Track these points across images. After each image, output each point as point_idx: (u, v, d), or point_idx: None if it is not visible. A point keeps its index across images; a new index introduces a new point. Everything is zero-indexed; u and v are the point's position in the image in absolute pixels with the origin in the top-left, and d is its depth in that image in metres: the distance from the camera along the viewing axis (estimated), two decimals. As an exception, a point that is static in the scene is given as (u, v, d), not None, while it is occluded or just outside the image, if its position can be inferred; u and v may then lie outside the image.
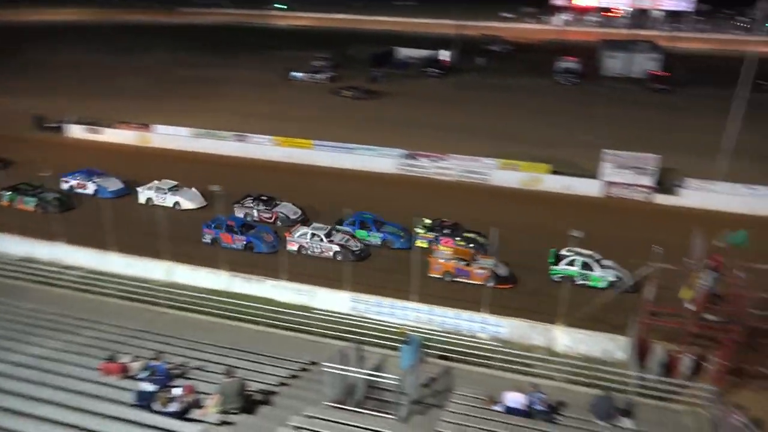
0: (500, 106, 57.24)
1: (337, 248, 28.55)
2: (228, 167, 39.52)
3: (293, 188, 34.95)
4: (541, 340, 22.21)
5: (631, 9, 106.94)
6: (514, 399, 16.72)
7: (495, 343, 21.84)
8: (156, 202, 33.94)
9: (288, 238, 29.30)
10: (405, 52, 79.24)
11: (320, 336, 21.61)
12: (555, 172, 38.37)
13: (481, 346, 21.40)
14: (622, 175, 36.45)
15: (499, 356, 20.51)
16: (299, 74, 68.64)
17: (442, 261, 26.99)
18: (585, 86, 67.29)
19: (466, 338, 22.03)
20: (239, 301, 23.32)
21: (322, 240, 28.76)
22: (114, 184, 35.80)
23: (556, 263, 27.10)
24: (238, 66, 75.46)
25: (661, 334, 20.47)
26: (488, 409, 16.64)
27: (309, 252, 28.92)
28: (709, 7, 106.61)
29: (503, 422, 15.74)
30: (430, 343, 20.46)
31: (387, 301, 23.73)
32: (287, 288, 24.76)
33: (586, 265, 26.72)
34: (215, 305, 23.10)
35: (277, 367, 18.28)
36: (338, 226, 30.26)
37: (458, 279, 26.83)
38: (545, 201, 36.36)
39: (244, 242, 29.35)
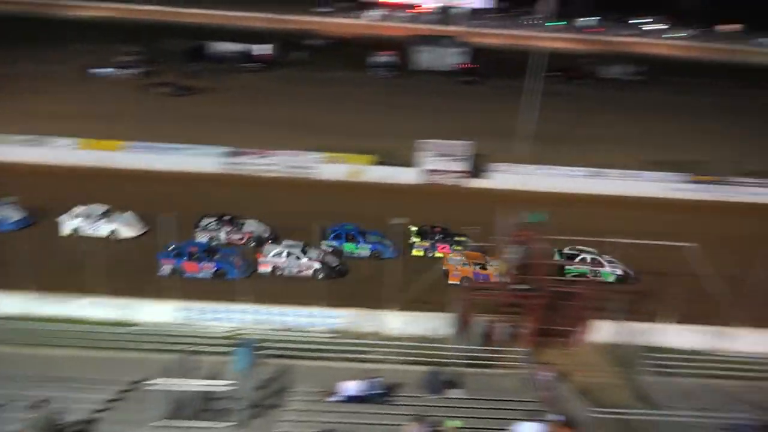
0: (322, 100, 57.65)
1: (318, 265, 26.50)
2: (22, 176, 34.88)
3: (102, 195, 31.38)
4: (374, 326, 22.91)
5: (436, 6, 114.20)
6: (351, 387, 17.15)
7: (331, 335, 22.18)
8: (86, 233, 28.66)
9: (260, 260, 26.64)
10: (220, 47, 76.45)
11: (146, 352, 20.18)
12: (378, 163, 39.73)
13: (317, 339, 21.59)
14: (438, 162, 38.82)
15: (336, 347, 20.88)
16: (104, 70, 62.89)
17: (459, 267, 26.53)
18: (401, 79, 70.39)
19: (302, 334, 22.10)
20: (47, 325, 20.94)
21: (298, 258, 26.60)
22: (15, 213, 29.53)
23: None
24: (30, 61, 66.93)
25: (481, 307, 22.23)
26: (326, 402, 16.86)
27: (285, 273, 26.50)
28: (506, 5, 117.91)
29: (340, 411, 16.08)
30: (265, 344, 20.08)
31: (215, 306, 22.86)
32: (104, 304, 22.67)
33: (596, 262, 27.23)
34: (18, 333, 20.46)
35: (97, 392, 16.72)
36: (322, 241, 28.21)
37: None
38: (369, 191, 37.43)
39: (214, 269, 25.96)
